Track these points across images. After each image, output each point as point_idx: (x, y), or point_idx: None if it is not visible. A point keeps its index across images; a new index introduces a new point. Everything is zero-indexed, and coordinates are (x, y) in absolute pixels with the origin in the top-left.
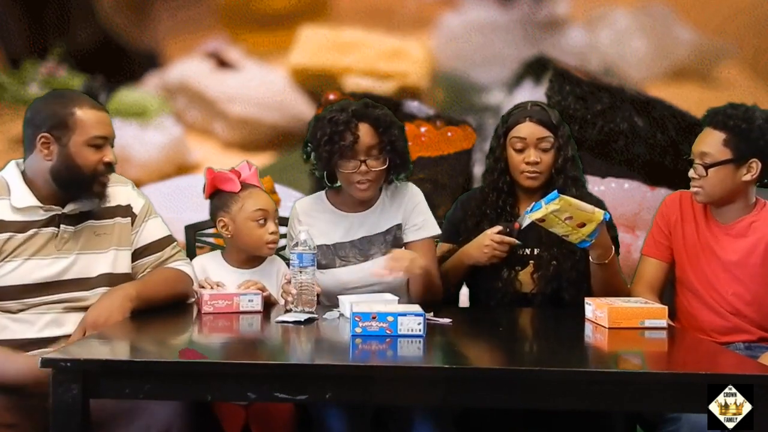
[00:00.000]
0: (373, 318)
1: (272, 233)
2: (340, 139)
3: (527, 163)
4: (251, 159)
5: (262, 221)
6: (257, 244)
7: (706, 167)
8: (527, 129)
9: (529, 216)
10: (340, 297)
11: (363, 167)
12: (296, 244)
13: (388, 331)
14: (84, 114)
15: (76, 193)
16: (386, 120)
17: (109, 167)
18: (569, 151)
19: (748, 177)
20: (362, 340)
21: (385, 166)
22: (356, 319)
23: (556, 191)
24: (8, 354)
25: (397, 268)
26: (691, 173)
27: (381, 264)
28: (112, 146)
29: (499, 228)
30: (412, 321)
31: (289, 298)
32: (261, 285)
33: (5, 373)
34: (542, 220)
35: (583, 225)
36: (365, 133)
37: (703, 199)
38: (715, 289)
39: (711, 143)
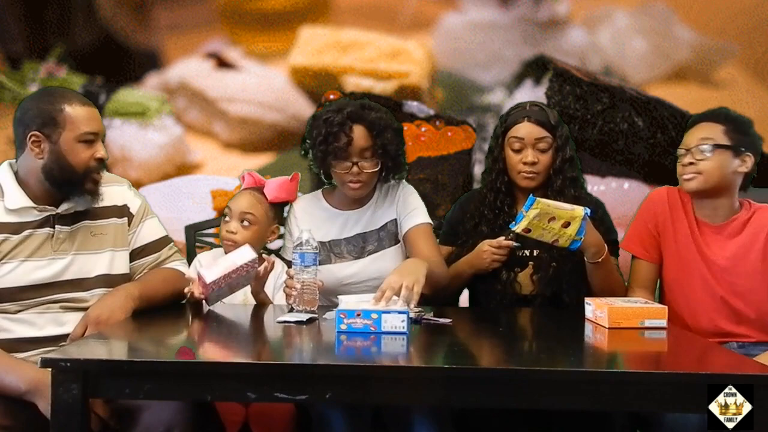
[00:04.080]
0: (358, 315)
1: (228, 231)
2: (334, 140)
3: (525, 164)
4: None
5: (227, 218)
6: (221, 240)
7: (713, 147)
8: (525, 129)
9: (514, 229)
10: (340, 297)
11: (355, 168)
12: (299, 244)
13: (372, 328)
14: (73, 110)
15: (68, 191)
16: (381, 123)
17: (101, 163)
18: (567, 151)
19: (743, 168)
20: (347, 337)
21: (377, 168)
22: (341, 316)
23: (531, 196)
24: (9, 363)
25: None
26: (687, 159)
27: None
28: (103, 142)
29: (501, 239)
30: (395, 318)
31: (293, 292)
32: (273, 259)
33: (3, 382)
34: (528, 230)
35: (567, 224)
36: (359, 135)
37: (698, 185)
38: (709, 290)
39: (711, 131)
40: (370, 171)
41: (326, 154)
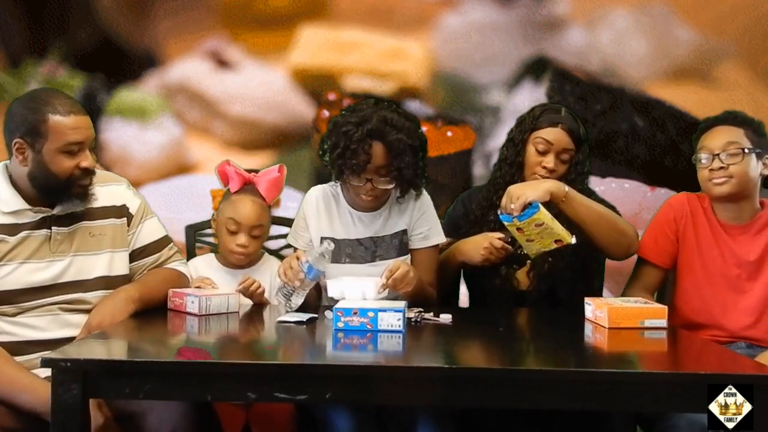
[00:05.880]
0: (355, 313)
1: (239, 245)
2: (351, 157)
3: (544, 167)
4: (251, 159)
5: (233, 229)
6: (225, 250)
7: (743, 151)
8: (557, 135)
9: (526, 220)
10: (328, 281)
11: (368, 185)
12: (313, 256)
13: (368, 326)
14: (57, 120)
15: (55, 196)
16: (400, 145)
17: (87, 172)
18: (585, 167)
19: (765, 171)
20: (344, 335)
21: (391, 187)
22: (338, 314)
23: (536, 203)
24: (25, 383)
25: (395, 288)
26: (716, 164)
27: (385, 272)
28: (93, 148)
29: (501, 235)
30: (391, 317)
31: (289, 273)
32: (258, 284)
33: (16, 400)
34: (520, 229)
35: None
36: (378, 153)
37: (730, 189)
38: (736, 288)
39: (734, 135)
40: (383, 188)
41: (342, 166)
